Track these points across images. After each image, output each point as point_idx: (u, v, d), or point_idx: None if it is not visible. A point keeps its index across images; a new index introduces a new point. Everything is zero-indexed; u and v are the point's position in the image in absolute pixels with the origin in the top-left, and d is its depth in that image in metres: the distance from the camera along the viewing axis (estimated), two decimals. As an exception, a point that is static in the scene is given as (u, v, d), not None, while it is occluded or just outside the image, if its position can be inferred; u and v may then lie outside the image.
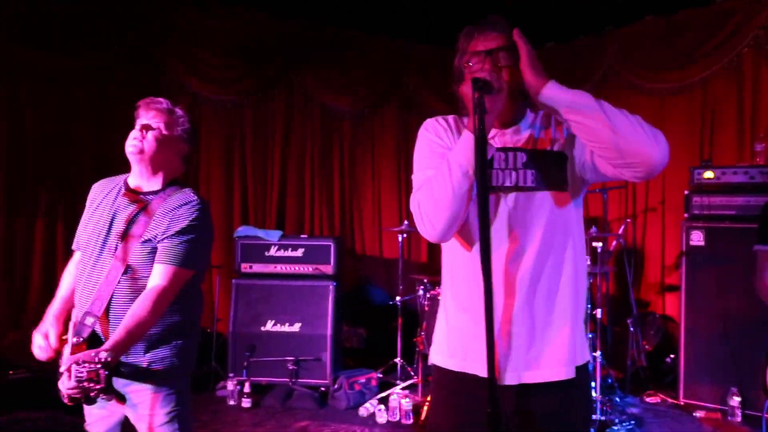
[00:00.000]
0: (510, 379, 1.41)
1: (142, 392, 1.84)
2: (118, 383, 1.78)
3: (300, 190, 5.48)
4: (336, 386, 4.14)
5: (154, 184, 1.95)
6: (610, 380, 4.14)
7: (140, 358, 1.82)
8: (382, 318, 5.22)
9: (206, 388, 4.26)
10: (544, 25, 5.45)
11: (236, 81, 5.04)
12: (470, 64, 1.47)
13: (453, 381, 1.50)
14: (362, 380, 4.20)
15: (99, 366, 1.51)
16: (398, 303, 4.50)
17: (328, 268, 4.36)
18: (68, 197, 4.36)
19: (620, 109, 1.34)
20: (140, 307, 1.74)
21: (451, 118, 1.61)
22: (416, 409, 3.80)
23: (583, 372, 1.48)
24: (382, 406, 3.80)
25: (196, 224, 1.87)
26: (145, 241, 1.83)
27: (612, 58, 5.30)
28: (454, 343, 1.53)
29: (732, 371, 3.73)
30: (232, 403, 4.01)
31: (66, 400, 1.58)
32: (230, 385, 4.04)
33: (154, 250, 1.84)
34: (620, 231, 4.54)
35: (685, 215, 4.09)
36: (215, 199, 5.05)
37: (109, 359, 1.53)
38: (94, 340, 1.77)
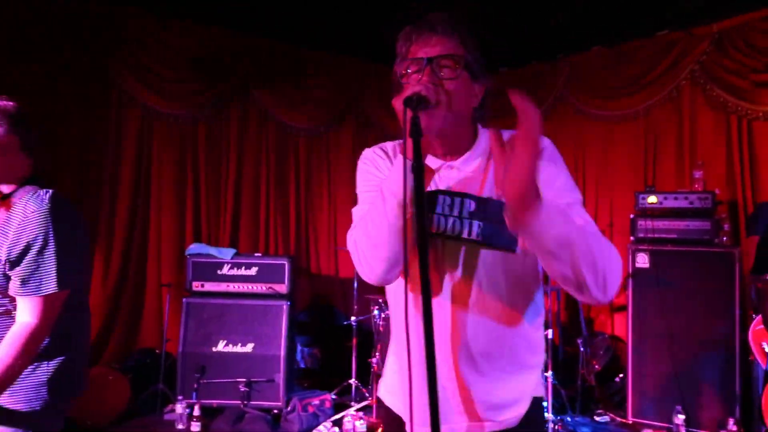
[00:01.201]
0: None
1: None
2: None
3: (255, 207, 5.40)
4: (289, 408, 4.06)
5: None
6: (561, 400, 4.22)
7: None
8: (336, 338, 5.17)
9: (153, 411, 4.09)
10: (497, 50, 5.61)
11: (190, 95, 4.95)
12: (408, 71, 1.26)
13: (392, 420, 1.41)
14: (316, 402, 4.14)
15: None
16: (353, 323, 4.47)
17: (282, 287, 4.30)
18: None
19: (601, 238, 1.16)
20: (7, 352, 1.52)
21: (389, 144, 1.41)
22: (371, 431, 3.76)
23: (536, 407, 1.36)
24: (336, 429, 3.75)
25: (50, 232, 1.57)
26: None
27: (563, 84, 5.51)
28: (388, 381, 1.46)
29: (676, 389, 3.87)
30: (180, 427, 3.86)
31: None
32: (179, 408, 3.90)
33: (2, 272, 1.58)
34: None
35: (631, 238, 4.25)
36: (166, 215, 4.91)
37: None
38: None
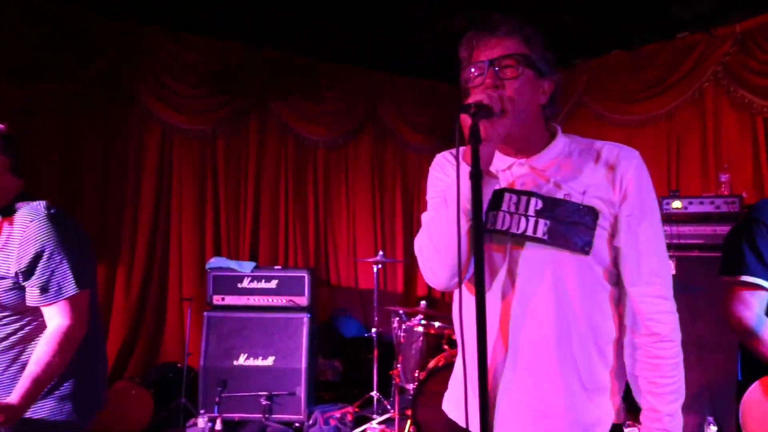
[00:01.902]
0: None
1: None
2: None
3: (274, 220, 5.42)
4: (311, 422, 4.03)
5: None
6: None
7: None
8: (357, 350, 5.14)
9: (176, 425, 4.10)
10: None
11: (209, 111, 5.00)
12: (470, 77, 1.26)
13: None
14: (337, 415, 4.11)
15: None
16: (374, 335, 4.44)
17: (303, 300, 4.30)
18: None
19: (675, 379, 1.34)
20: (44, 351, 1.57)
21: (461, 149, 1.35)
22: (393, 444, 3.72)
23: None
24: (358, 442, 3.71)
25: (56, 239, 1.63)
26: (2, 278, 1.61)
27: (582, 90, 5.44)
28: (453, 393, 1.41)
29: (707, 400, 3.75)
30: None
31: None
32: (201, 421, 3.90)
33: (14, 284, 1.62)
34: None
35: (656, 244, 4.14)
36: (187, 229, 4.95)
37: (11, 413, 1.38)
38: None
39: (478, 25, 1.27)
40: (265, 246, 5.34)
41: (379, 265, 4.63)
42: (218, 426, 3.84)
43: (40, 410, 1.63)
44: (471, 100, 1.12)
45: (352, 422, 4.14)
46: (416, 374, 3.78)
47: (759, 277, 1.70)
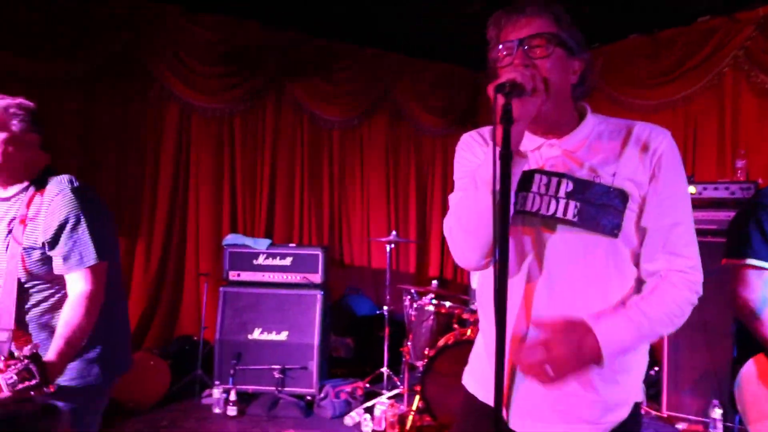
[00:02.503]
0: (523, 427, 1.25)
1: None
2: None
3: (289, 199, 5.50)
4: (322, 395, 4.14)
5: (17, 186, 1.79)
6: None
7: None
8: (369, 328, 5.23)
9: (192, 395, 4.23)
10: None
11: (226, 89, 5.06)
12: (502, 54, 1.23)
13: (474, 410, 1.38)
14: (348, 389, 4.21)
15: (26, 362, 1.45)
16: (385, 313, 4.52)
17: (316, 277, 4.38)
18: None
19: (657, 313, 1.18)
20: (71, 314, 1.65)
21: (488, 129, 1.35)
22: (401, 419, 3.80)
23: (634, 414, 1.28)
24: (368, 416, 3.81)
25: (79, 211, 1.71)
26: (28, 249, 1.69)
27: (598, 74, 5.41)
28: (475, 368, 1.44)
29: (713, 383, 3.79)
30: (217, 411, 3.99)
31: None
32: (216, 392, 4.03)
33: (43, 255, 1.70)
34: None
35: (669, 229, 4.16)
36: (204, 207, 5.05)
37: (34, 351, 1.48)
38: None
39: (508, 6, 1.25)
40: (280, 224, 5.43)
41: (392, 245, 4.69)
42: (232, 397, 3.96)
43: (69, 373, 1.72)
44: (503, 79, 1.09)
45: (362, 396, 4.24)
46: (426, 352, 3.86)
47: (765, 260, 1.73)
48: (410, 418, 3.76)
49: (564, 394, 1.22)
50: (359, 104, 5.76)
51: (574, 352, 1.13)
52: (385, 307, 4.53)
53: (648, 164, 1.21)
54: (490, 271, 1.29)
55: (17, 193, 1.77)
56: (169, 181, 4.88)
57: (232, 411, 3.94)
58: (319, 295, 4.30)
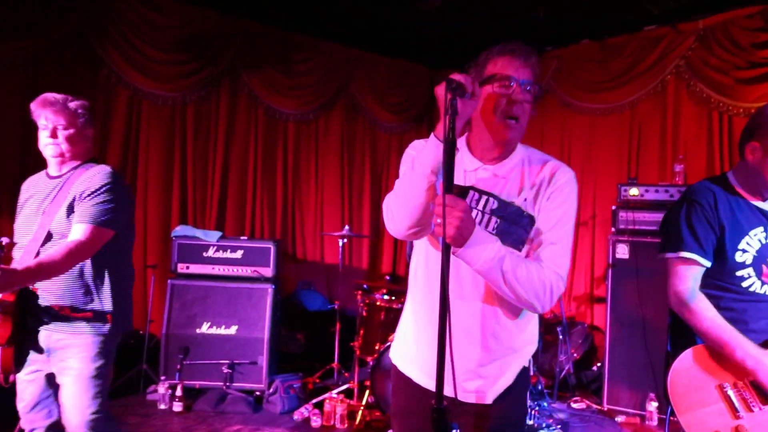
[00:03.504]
0: (462, 395, 1.51)
1: (72, 345, 2.05)
2: (49, 339, 2.05)
3: (241, 191, 5.42)
4: (271, 390, 4.11)
5: (67, 166, 2.20)
6: (540, 387, 4.30)
7: (74, 302, 2.07)
8: (320, 324, 5.22)
9: (136, 390, 4.13)
10: (488, 42, 5.64)
11: (180, 77, 4.93)
12: (493, 83, 1.47)
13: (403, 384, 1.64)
14: (298, 384, 4.19)
15: None
16: (337, 308, 4.51)
17: (268, 271, 4.33)
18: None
19: (523, 273, 1.39)
20: (56, 251, 1.97)
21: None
22: (351, 414, 3.82)
23: (523, 375, 1.60)
24: (318, 411, 3.80)
25: (110, 188, 2.10)
26: (69, 206, 2.07)
27: (550, 77, 5.55)
28: (406, 346, 1.67)
29: (650, 378, 3.96)
30: (162, 407, 3.90)
31: None
32: (161, 388, 3.93)
33: (70, 214, 2.07)
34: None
35: (612, 229, 4.32)
36: (153, 197, 4.91)
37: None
38: (26, 295, 2.03)
39: (511, 46, 1.49)
40: (231, 216, 5.34)
41: (345, 240, 4.69)
42: (179, 392, 3.88)
43: (83, 327, 2.07)
44: (454, 77, 1.29)
45: (312, 392, 4.23)
46: (377, 347, 3.88)
47: (694, 252, 1.83)
48: (360, 413, 3.78)
49: (470, 364, 1.51)
50: (316, 98, 5.72)
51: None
52: (337, 303, 4.53)
53: (546, 191, 1.50)
54: (422, 243, 1.60)
55: (66, 172, 2.17)
56: (117, 168, 4.71)
57: (177, 407, 3.86)
58: (270, 289, 4.26)
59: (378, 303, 4.11)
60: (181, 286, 4.24)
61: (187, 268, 4.31)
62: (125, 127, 4.76)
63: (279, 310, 4.43)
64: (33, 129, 4.32)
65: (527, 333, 1.59)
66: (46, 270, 1.94)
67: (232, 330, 4.19)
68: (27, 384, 2.12)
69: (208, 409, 3.94)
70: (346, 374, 4.42)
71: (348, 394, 4.16)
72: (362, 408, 3.81)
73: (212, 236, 4.36)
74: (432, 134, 1.36)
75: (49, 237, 2.06)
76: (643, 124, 5.08)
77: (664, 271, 1.92)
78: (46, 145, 2.16)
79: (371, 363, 3.78)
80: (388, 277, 4.62)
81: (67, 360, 2.05)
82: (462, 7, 4.69)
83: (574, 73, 5.42)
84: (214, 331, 4.18)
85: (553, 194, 1.49)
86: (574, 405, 4.32)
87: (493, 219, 1.48)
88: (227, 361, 4.11)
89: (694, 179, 4.39)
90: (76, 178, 2.12)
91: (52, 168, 2.22)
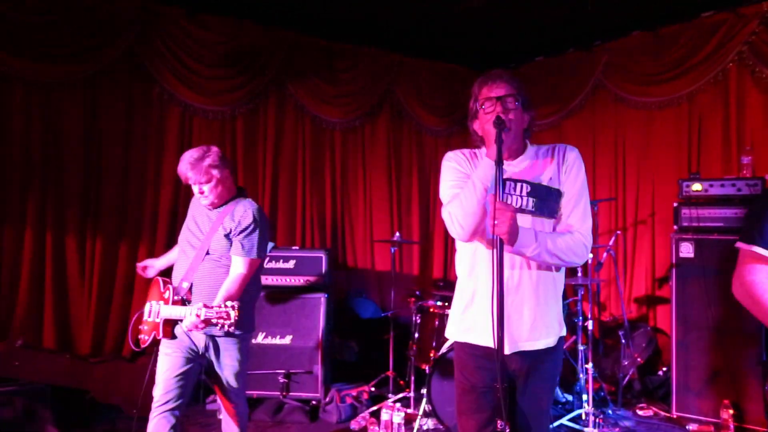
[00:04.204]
0: (513, 348, 1.89)
1: (227, 345, 2.64)
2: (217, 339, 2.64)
3: (291, 201, 5.47)
4: (327, 399, 4.11)
5: (223, 204, 2.71)
6: (602, 393, 4.14)
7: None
8: (373, 331, 5.20)
9: (196, 400, 4.20)
10: (534, 40, 5.51)
11: (227, 91, 5.03)
12: (484, 107, 1.87)
13: (466, 351, 2.01)
14: (354, 393, 4.18)
15: (230, 308, 2.32)
16: (390, 316, 4.48)
17: (320, 280, 4.34)
18: (57, 205, 4.33)
19: (561, 244, 1.83)
20: (231, 284, 2.54)
21: (466, 151, 2.06)
22: (408, 423, 3.77)
23: (561, 342, 2.02)
24: (374, 420, 3.77)
25: (258, 223, 2.61)
26: (225, 235, 2.60)
27: (601, 72, 5.37)
28: (466, 320, 2.02)
29: (724, 383, 3.75)
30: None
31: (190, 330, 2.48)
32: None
33: (227, 239, 2.60)
34: (610, 243, 4.55)
35: (675, 227, 4.12)
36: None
37: (235, 307, 2.34)
38: (183, 301, 2.61)
39: (487, 75, 1.93)
40: (282, 227, 5.39)
41: (396, 247, 4.66)
42: (237, 402, 3.92)
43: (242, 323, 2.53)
44: (500, 117, 1.78)
45: (368, 401, 4.20)
46: (431, 354, 3.82)
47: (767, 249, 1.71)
48: (417, 421, 3.73)
49: (532, 325, 1.91)
50: (361, 105, 5.73)
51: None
52: (390, 310, 4.49)
53: (562, 168, 1.95)
54: (473, 248, 2.00)
55: (223, 205, 2.68)
56: (172, 183, 4.84)
57: (236, 416, 3.89)
58: (323, 298, 4.27)
59: (431, 309, 4.05)
60: (236, 297, 4.29)
61: (241, 279, 4.36)
62: (178, 142, 4.88)
63: (332, 318, 4.43)
64: (92, 145, 4.50)
65: (559, 310, 2.01)
66: (230, 299, 2.48)
67: (287, 340, 4.22)
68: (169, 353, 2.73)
69: (267, 418, 3.97)
70: (402, 382, 4.38)
71: (404, 402, 4.12)
72: (419, 416, 3.75)
73: (264, 247, 4.41)
74: (485, 157, 1.82)
75: (207, 252, 2.62)
76: (704, 116, 4.83)
77: (737, 260, 1.81)
78: (199, 198, 2.66)
79: (427, 370, 3.73)
80: (441, 283, 4.55)
81: (222, 355, 2.70)
82: (505, 4, 4.60)
83: (625, 66, 5.22)
84: (269, 341, 4.22)
85: (568, 169, 1.93)
86: (640, 412, 4.13)
87: (530, 200, 1.90)
88: (283, 371, 4.14)
89: (764, 171, 4.16)
90: (228, 211, 2.63)
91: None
